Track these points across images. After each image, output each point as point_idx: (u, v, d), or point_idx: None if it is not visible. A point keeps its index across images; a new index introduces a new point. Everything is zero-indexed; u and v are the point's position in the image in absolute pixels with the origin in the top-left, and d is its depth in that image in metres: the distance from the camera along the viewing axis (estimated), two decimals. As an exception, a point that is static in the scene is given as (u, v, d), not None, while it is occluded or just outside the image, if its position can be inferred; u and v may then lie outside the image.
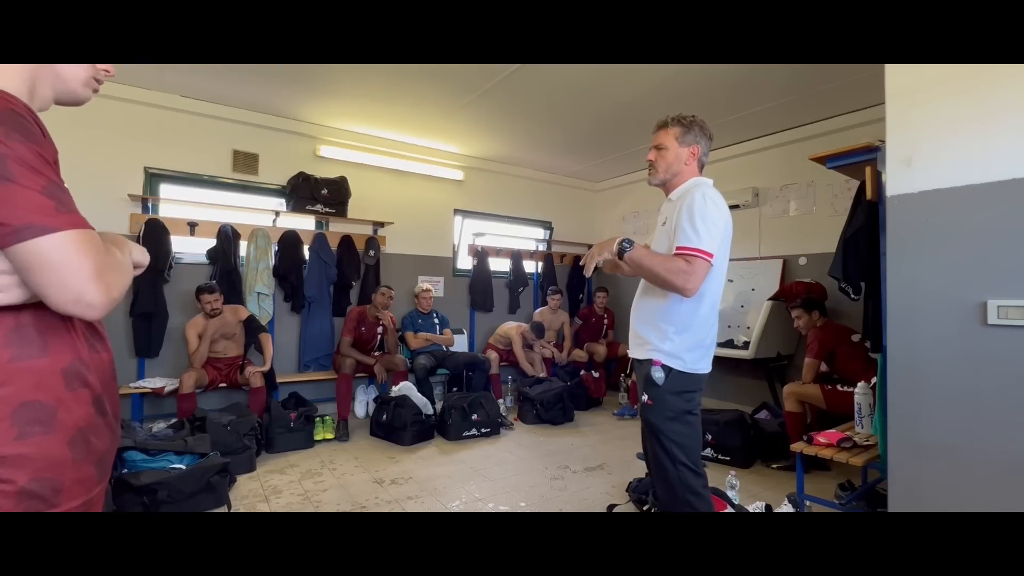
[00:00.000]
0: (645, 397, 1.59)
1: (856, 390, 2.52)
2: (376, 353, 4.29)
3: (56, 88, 0.79)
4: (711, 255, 1.47)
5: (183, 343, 3.53)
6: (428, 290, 4.61)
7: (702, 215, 1.48)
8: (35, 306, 0.68)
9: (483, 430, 3.77)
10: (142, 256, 0.85)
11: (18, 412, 0.64)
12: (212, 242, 3.85)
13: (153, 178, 3.80)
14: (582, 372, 4.92)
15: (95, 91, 0.84)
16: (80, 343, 0.72)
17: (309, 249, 4.25)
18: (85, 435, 0.70)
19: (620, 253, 1.53)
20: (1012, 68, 1.54)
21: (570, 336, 5.27)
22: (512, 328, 4.86)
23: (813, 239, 4.11)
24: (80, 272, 0.63)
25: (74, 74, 0.80)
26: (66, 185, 0.72)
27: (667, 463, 1.56)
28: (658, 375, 1.54)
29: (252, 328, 3.66)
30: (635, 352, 1.67)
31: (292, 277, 4.13)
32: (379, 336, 4.21)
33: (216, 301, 3.46)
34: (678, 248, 1.49)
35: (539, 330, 4.76)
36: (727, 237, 1.58)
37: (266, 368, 3.57)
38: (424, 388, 4.03)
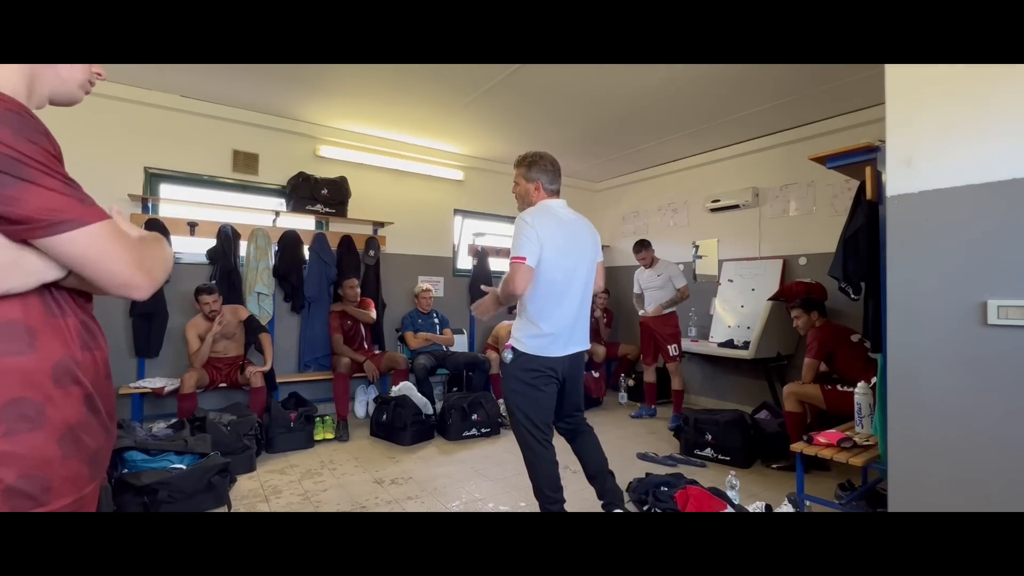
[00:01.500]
0: (500, 371, 2.08)
1: (856, 390, 2.52)
2: (378, 352, 4.29)
3: (54, 89, 0.80)
4: (523, 258, 1.87)
5: (183, 343, 3.53)
6: (428, 290, 4.61)
7: (516, 232, 1.93)
8: (24, 302, 0.68)
9: (483, 430, 3.77)
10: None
11: (5, 409, 0.64)
12: (212, 242, 3.85)
13: (153, 178, 3.80)
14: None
15: (87, 92, 0.85)
16: (72, 340, 0.72)
17: (309, 249, 4.25)
18: (76, 433, 0.70)
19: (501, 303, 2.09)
20: (1011, 68, 1.54)
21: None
22: (504, 328, 4.87)
23: (813, 239, 4.11)
24: (122, 259, 0.69)
25: (73, 75, 0.81)
26: None
27: (513, 423, 2.04)
28: (507, 355, 2.01)
29: (252, 328, 3.66)
30: None
31: (292, 277, 4.13)
32: (366, 327, 4.21)
33: (215, 303, 3.46)
34: (509, 261, 1.93)
35: None
36: (550, 243, 1.90)
37: (266, 368, 3.57)
38: (424, 388, 4.03)
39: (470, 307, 2.19)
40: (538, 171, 2.05)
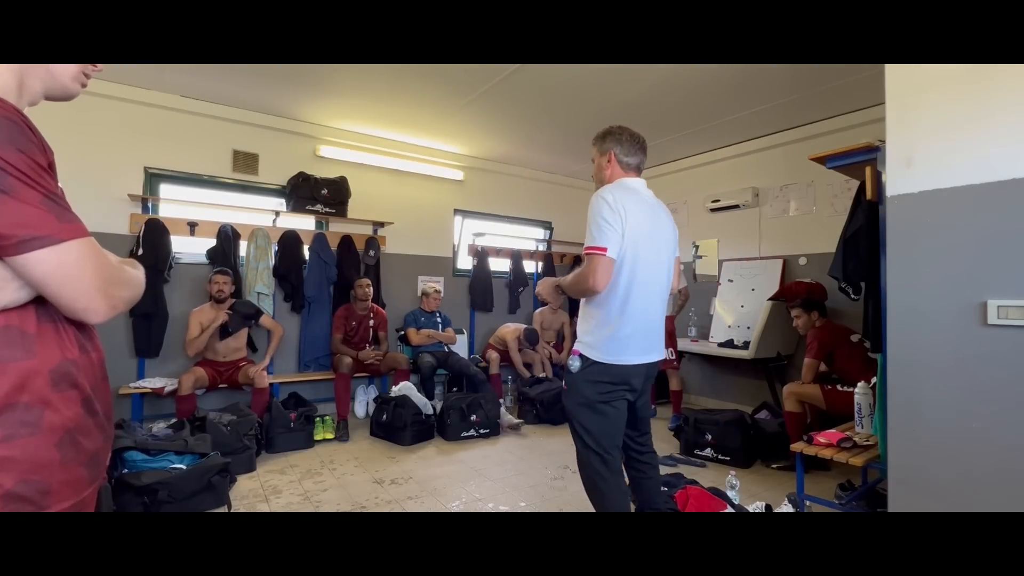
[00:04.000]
0: (563, 383, 1.77)
1: (856, 390, 2.52)
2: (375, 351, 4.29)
3: (47, 84, 0.78)
4: (604, 249, 1.56)
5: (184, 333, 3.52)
6: (438, 291, 4.61)
7: (592, 215, 1.61)
8: (22, 308, 0.67)
9: (482, 431, 3.76)
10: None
11: (3, 414, 0.63)
12: (212, 242, 3.85)
13: (153, 178, 3.80)
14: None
15: (83, 86, 0.84)
16: (69, 344, 0.71)
17: (309, 249, 4.25)
18: (74, 436, 0.70)
19: (561, 292, 1.81)
20: (1012, 68, 1.54)
21: (570, 336, 5.27)
22: (509, 332, 4.87)
23: (813, 239, 4.11)
24: (85, 284, 0.67)
25: (65, 71, 0.79)
26: (61, 186, 0.72)
27: (579, 445, 1.72)
28: (574, 364, 1.69)
29: (240, 312, 3.58)
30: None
31: (292, 277, 4.13)
32: (371, 330, 4.23)
33: (224, 284, 3.50)
34: (584, 249, 1.63)
35: (532, 338, 4.77)
36: (635, 228, 1.62)
37: (265, 364, 3.59)
38: (428, 387, 4.03)
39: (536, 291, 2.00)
40: (612, 141, 1.77)
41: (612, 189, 1.66)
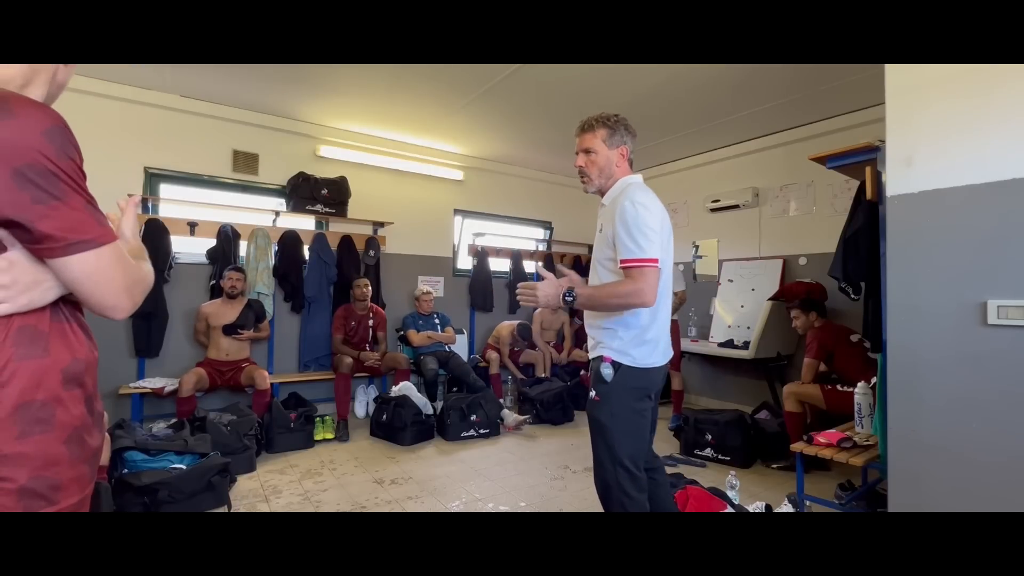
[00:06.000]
0: (593, 393, 1.61)
1: (856, 390, 2.52)
2: (375, 352, 4.30)
3: (51, 90, 0.80)
4: (656, 260, 1.48)
5: (185, 337, 3.51)
6: (428, 293, 4.61)
7: (635, 223, 1.48)
8: (39, 307, 0.69)
9: (482, 431, 3.76)
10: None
11: (19, 411, 0.65)
12: (212, 242, 3.85)
13: (153, 178, 3.79)
14: (582, 372, 4.93)
15: None
16: (78, 343, 0.73)
17: (309, 249, 4.25)
18: (80, 434, 0.72)
19: (570, 304, 1.56)
20: (1012, 68, 1.54)
21: (570, 336, 5.27)
22: (505, 328, 4.87)
23: (813, 239, 4.11)
24: (116, 284, 0.72)
25: (66, 79, 0.82)
26: None
27: (607, 462, 1.57)
28: (607, 371, 1.56)
29: (255, 311, 3.70)
30: (590, 353, 1.69)
31: (292, 277, 4.13)
32: (371, 330, 4.23)
33: (238, 281, 3.61)
34: (623, 262, 1.50)
35: (525, 333, 4.76)
36: (666, 234, 1.58)
37: (249, 334, 3.63)
38: (432, 390, 4.02)
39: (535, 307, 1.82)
40: (625, 134, 1.65)
41: (642, 191, 1.57)
